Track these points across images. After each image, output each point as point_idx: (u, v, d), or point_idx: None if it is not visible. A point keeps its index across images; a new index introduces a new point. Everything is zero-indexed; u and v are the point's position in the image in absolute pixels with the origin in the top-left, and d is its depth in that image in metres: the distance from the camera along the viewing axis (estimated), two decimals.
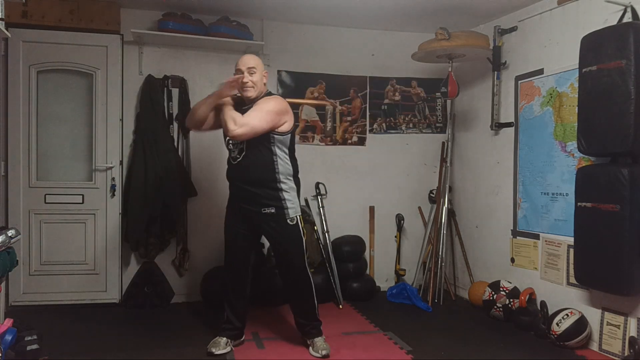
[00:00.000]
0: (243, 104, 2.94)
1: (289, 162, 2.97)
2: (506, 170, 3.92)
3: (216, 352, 2.92)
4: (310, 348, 2.99)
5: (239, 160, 2.88)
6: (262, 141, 2.83)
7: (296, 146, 3.06)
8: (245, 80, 2.84)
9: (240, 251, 3.02)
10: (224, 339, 3.00)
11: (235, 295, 3.05)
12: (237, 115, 2.76)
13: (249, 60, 2.88)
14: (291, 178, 2.98)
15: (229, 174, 3.00)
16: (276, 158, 2.88)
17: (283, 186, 2.91)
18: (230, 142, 2.92)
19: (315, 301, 3.07)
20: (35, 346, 2.68)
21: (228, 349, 2.98)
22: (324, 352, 2.92)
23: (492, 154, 4.10)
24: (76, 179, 3.88)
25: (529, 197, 3.68)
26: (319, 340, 3.00)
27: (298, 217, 2.97)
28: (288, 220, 2.91)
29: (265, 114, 2.79)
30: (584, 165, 3.13)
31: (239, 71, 2.87)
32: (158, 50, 4.00)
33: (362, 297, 4.14)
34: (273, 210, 2.88)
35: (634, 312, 2.87)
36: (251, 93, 2.87)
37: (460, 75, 4.19)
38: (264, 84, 2.95)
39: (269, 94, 3.00)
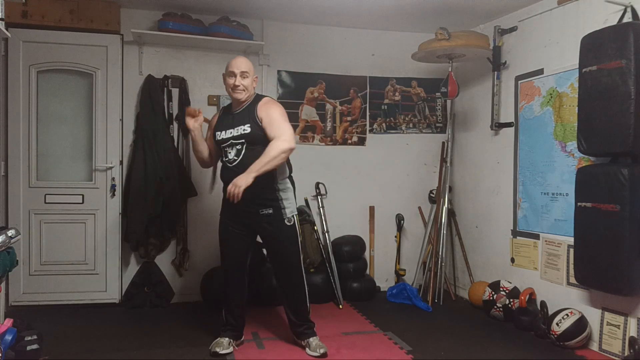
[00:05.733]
0: (231, 108, 3.00)
1: (285, 162, 2.98)
2: (506, 170, 3.92)
3: (221, 352, 2.92)
4: (307, 348, 3.00)
5: (237, 161, 2.86)
6: (260, 141, 2.85)
7: (296, 146, 3.06)
8: (237, 83, 2.87)
9: (237, 252, 3.02)
10: (226, 339, 3.00)
11: (234, 296, 3.05)
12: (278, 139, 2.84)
13: (242, 64, 2.91)
14: (287, 178, 3.01)
15: (225, 177, 2.95)
16: None
17: (280, 186, 2.93)
18: (226, 144, 2.91)
19: (308, 302, 3.09)
20: (35, 346, 2.68)
21: (231, 349, 2.98)
22: (322, 351, 2.93)
23: (492, 154, 4.10)
24: (76, 179, 3.88)
25: (529, 197, 3.67)
26: (314, 340, 3.01)
27: (295, 217, 2.99)
28: (285, 221, 2.93)
29: (283, 119, 2.89)
30: (584, 165, 3.12)
31: (231, 74, 2.89)
32: (158, 50, 4.00)
33: (362, 297, 4.14)
34: (271, 211, 2.90)
35: (634, 312, 2.87)
36: (241, 95, 2.90)
37: (460, 75, 4.19)
38: (254, 88, 2.99)
39: (259, 96, 3.01)
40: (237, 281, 3.04)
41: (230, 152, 2.91)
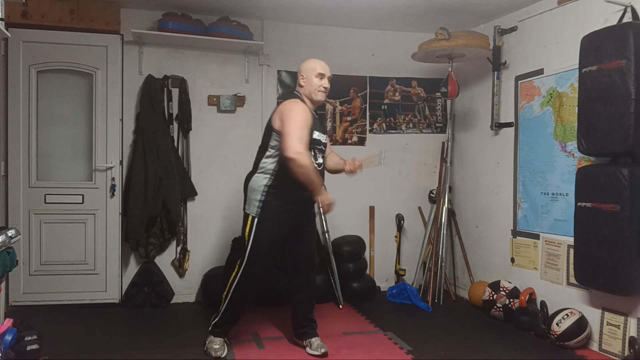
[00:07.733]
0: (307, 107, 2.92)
1: None
2: (506, 170, 3.92)
3: (222, 356, 2.90)
4: (308, 348, 3.01)
5: (322, 167, 2.97)
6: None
7: None
8: (327, 86, 2.91)
9: (274, 258, 3.06)
10: (219, 339, 2.98)
11: (249, 298, 3.09)
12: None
13: (329, 69, 2.94)
14: None
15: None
16: None
17: None
18: (319, 146, 2.92)
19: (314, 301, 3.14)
20: (35, 346, 2.68)
21: (226, 347, 2.99)
22: (322, 350, 2.94)
23: (492, 154, 4.10)
24: (76, 179, 3.88)
25: (529, 197, 3.67)
26: (316, 340, 3.02)
27: None
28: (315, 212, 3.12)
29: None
30: (584, 165, 3.12)
31: (321, 75, 2.89)
32: (158, 50, 4.00)
33: (362, 297, 4.14)
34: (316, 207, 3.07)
35: (634, 312, 2.87)
36: (324, 98, 2.96)
37: (460, 75, 4.19)
38: None
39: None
40: (260, 284, 3.08)
41: (318, 157, 2.92)
